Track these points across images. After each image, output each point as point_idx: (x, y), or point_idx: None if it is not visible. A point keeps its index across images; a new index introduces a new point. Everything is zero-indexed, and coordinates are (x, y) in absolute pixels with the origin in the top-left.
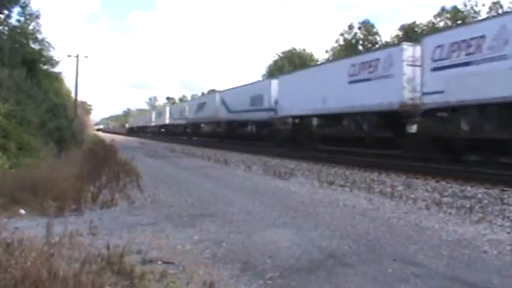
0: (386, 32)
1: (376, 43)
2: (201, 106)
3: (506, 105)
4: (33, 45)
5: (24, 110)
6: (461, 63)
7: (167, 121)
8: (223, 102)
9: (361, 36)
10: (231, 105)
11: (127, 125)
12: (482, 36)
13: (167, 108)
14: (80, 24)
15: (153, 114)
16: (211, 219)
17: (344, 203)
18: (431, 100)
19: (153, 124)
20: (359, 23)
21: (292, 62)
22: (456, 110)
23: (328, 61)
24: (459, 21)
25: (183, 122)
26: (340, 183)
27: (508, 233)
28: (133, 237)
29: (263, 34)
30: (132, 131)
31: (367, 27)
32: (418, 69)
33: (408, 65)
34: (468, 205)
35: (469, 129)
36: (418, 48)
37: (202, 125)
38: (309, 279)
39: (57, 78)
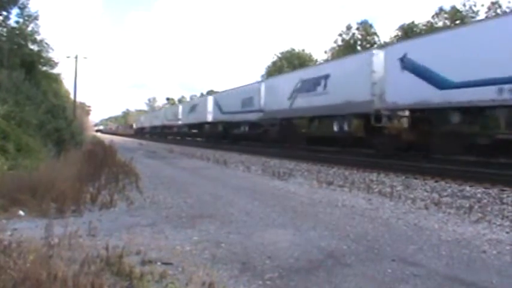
0: (385, 32)
1: (375, 43)
2: (308, 84)
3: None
4: (32, 47)
5: (23, 111)
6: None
7: (209, 118)
8: (406, 65)
9: (360, 36)
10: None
11: (134, 125)
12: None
13: (209, 99)
14: (79, 25)
15: (180, 109)
16: (210, 220)
17: (343, 203)
18: None
19: (180, 123)
20: (357, 23)
21: (291, 63)
22: None
23: None
24: (458, 21)
25: (250, 117)
26: (339, 184)
27: (507, 232)
28: (133, 238)
29: (261, 35)
30: (142, 133)
31: (365, 27)
32: None
33: None
34: (467, 205)
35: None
36: None
37: (295, 122)
38: (308, 280)
39: (56, 79)
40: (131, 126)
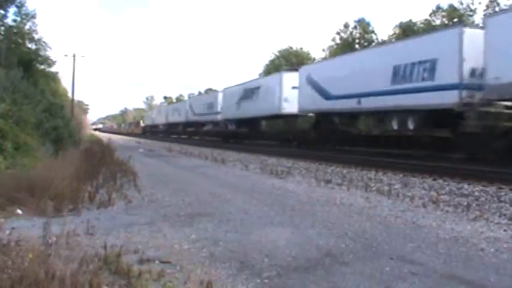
0: (383, 30)
1: (373, 41)
2: None
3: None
4: (29, 45)
5: (21, 110)
6: None
7: (285, 108)
8: None
9: (357, 34)
10: None
11: (141, 122)
12: None
13: (286, 77)
14: (76, 23)
15: (221, 98)
16: (208, 219)
17: (341, 201)
18: None
19: (219, 118)
20: (355, 21)
21: (289, 61)
22: None
23: None
24: (455, 20)
25: (426, 102)
26: (337, 182)
27: (505, 230)
28: (131, 237)
29: (260, 33)
30: (153, 132)
31: (363, 25)
32: None
33: None
34: (465, 203)
35: None
36: None
37: None
38: (306, 278)
39: (53, 77)
40: (138, 123)
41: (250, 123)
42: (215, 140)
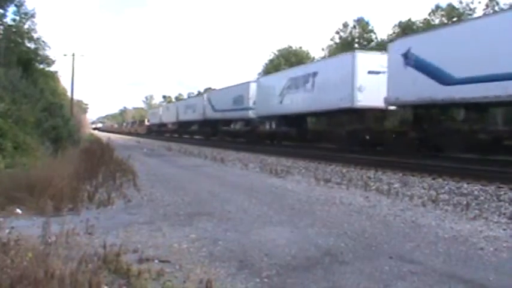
0: (383, 29)
1: (372, 41)
2: None
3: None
4: (28, 44)
5: (20, 109)
6: None
7: (361, 99)
8: None
9: (357, 34)
10: None
11: (146, 121)
12: None
13: (360, 57)
14: (75, 22)
15: (252, 91)
16: (207, 218)
17: (340, 200)
18: None
19: (250, 114)
20: (354, 20)
21: (288, 60)
22: None
23: None
24: (455, 19)
25: None
26: (336, 181)
27: (505, 229)
28: (130, 236)
29: (259, 32)
30: (161, 131)
31: (362, 25)
32: None
33: None
34: (464, 202)
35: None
36: None
37: None
38: (305, 277)
39: (53, 77)
40: (142, 122)
41: (300, 121)
42: (227, 140)
